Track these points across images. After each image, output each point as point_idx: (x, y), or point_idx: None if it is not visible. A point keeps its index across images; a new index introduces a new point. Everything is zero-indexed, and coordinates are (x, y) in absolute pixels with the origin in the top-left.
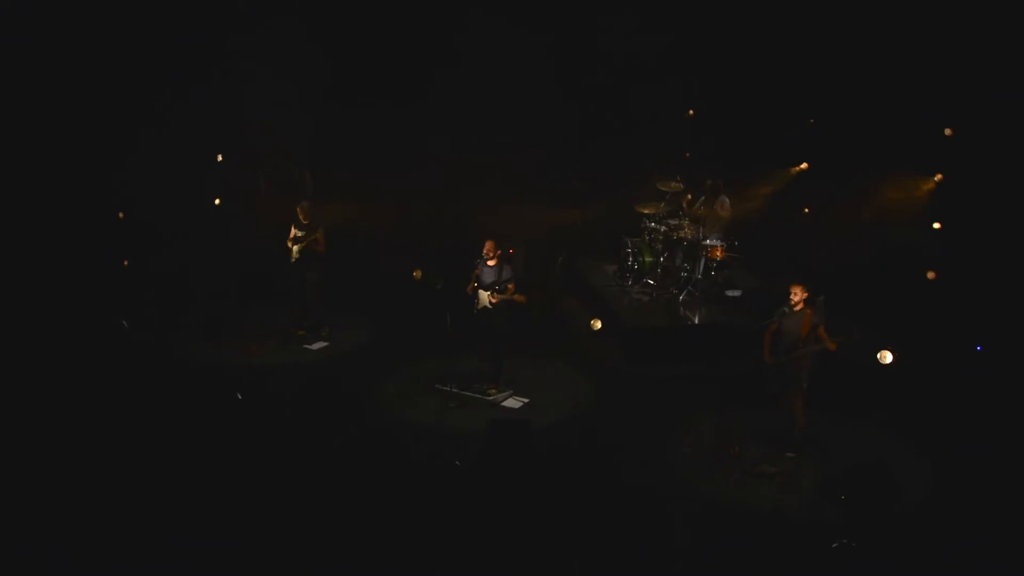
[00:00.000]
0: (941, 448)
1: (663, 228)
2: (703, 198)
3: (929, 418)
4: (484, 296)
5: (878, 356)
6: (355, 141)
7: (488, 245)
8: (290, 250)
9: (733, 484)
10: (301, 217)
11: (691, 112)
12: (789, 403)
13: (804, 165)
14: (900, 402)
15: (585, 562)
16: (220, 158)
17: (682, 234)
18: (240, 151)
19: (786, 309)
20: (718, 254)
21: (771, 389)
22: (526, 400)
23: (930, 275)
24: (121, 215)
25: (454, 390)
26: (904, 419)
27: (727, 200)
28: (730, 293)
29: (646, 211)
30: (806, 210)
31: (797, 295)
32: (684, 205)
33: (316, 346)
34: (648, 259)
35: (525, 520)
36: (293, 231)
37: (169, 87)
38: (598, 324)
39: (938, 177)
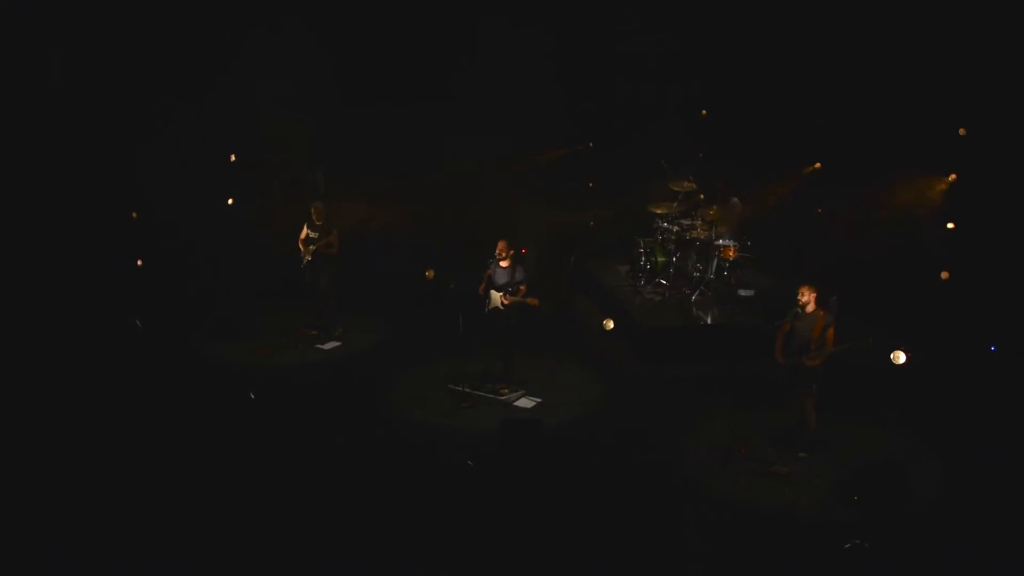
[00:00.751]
0: (953, 448)
1: (675, 228)
2: (715, 199)
3: (941, 418)
4: (496, 297)
5: (891, 356)
6: (367, 142)
7: (501, 245)
8: (301, 250)
9: (745, 484)
10: (315, 218)
11: (704, 112)
12: (801, 403)
13: (817, 165)
14: (912, 402)
15: (596, 562)
16: (233, 158)
17: (695, 234)
18: (253, 151)
19: (799, 310)
20: (730, 254)
21: (783, 389)
22: (538, 400)
23: (943, 275)
24: (134, 215)
25: (466, 390)
26: (916, 419)
27: (738, 200)
28: (742, 293)
29: (659, 211)
30: (819, 210)
31: (805, 296)
32: (701, 205)
33: (328, 346)
34: (660, 259)
35: (537, 519)
36: (305, 231)
37: (182, 87)
38: (610, 324)
39: (952, 177)
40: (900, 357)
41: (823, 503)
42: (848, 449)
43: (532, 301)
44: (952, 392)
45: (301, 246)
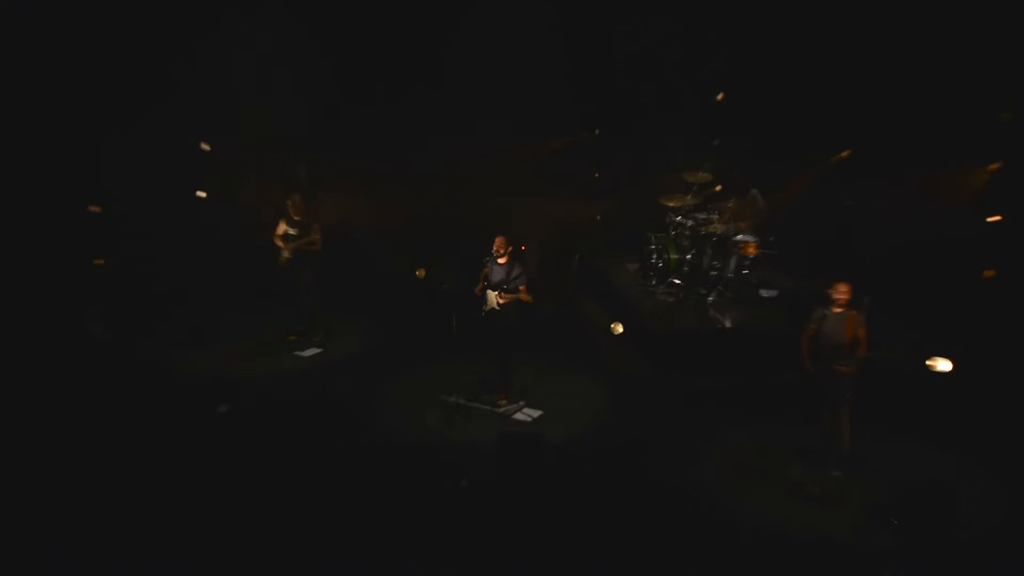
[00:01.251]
0: (1010, 467)
1: (690, 222)
2: (733, 190)
3: (995, 432)
4: (492, 296)
5: (932, 363)
6: (355, 129)
7: (498, 241)
8: (279, 248)
9: (772, 507)
10: (292, 212)
11: (721, 95)
12: (833, 415)
13: (846, 153)
14: (961, 414)
15: None
16: (205, 147)
17: (711, 229)
18: (227, 139)
19: (826, 311)
20: (751, 251)
21: (813, 400)
22: (539, 412)
23: (987, 274)
24: (94, 208)
25: (460, 401)
26: (966, 433)
27: (758, 191)
28: (765, 293)
29: (672, 204)
30: (849, 202)
31: (842, 294)
32: (717, 197)
33: (308, 353)
34: (674, 256)
35: (537, 542)
36: (283, 227)
37: (152, 70)
38: (619, 328)
39: (994, 166)
40: (944, 364)
41: (860, 528)
42: (888, 467)
43: (526, 296)
44: (1006, 403)
45: (279, 242)
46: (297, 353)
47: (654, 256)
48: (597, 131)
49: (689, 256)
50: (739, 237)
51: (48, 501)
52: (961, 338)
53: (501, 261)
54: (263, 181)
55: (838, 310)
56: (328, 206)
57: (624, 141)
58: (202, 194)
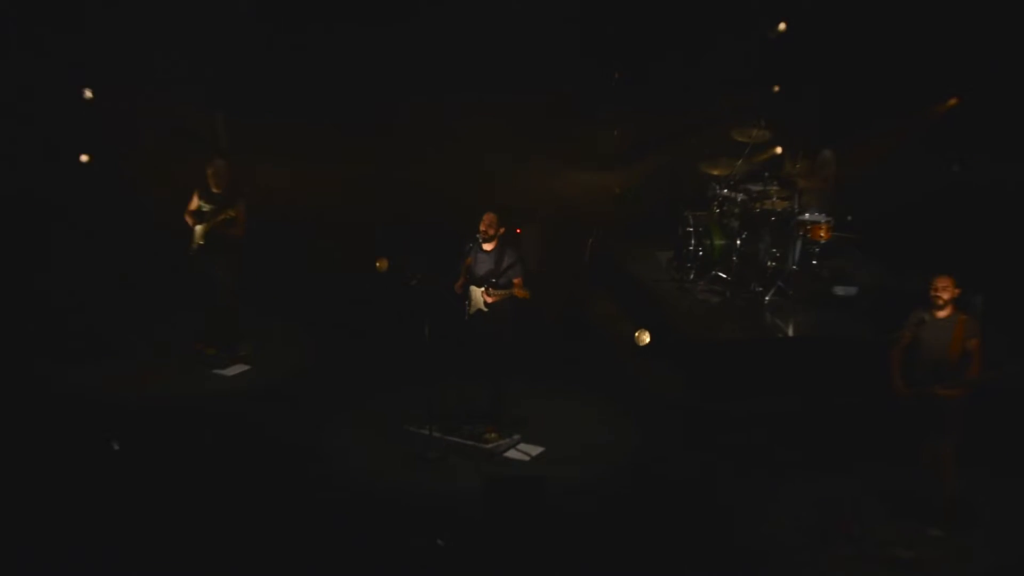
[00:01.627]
0: None
1: (741, 197)
2: (800, 153)
3: None
4: (477, 294)
5: None
6: (295, 75)
7: (487, 220)
8: (192, 230)
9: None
10: (212, 183)
11: (782, 25)
12: (933, 455)
13: (953, 101)
14: None
15: None
16: (89, 94)
17: (768, 205)
18: (120, 86)
19: (925, 315)
20: (822, 235)
21: (905, 434)
22: (539, 449)
23: None
24: None
25: (434, 434)
26: None
27: (832, 154)
28: (840, 291)
29: (716, 172)
30: (955, 168)
31: (945, 293)
32: (778, 162)
33: (232, 371)
34: (718, 242)
35: None
36: (196, 201)
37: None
38: (646, 337)
39: None
40: None
41: None
42: (1004, 524)
43: (521, 292)
44: None
45: (190, 222)
46: (218, 371)
47: (693, 242)
48: (617, 75)
49: (739, 242)
50: (806, 216)
51: None
52: None
53: (487, 247)
54: (168, 140)
55: (941, 314)
56: (254, 175)
57: (652, 89)
58: (86, 158)
